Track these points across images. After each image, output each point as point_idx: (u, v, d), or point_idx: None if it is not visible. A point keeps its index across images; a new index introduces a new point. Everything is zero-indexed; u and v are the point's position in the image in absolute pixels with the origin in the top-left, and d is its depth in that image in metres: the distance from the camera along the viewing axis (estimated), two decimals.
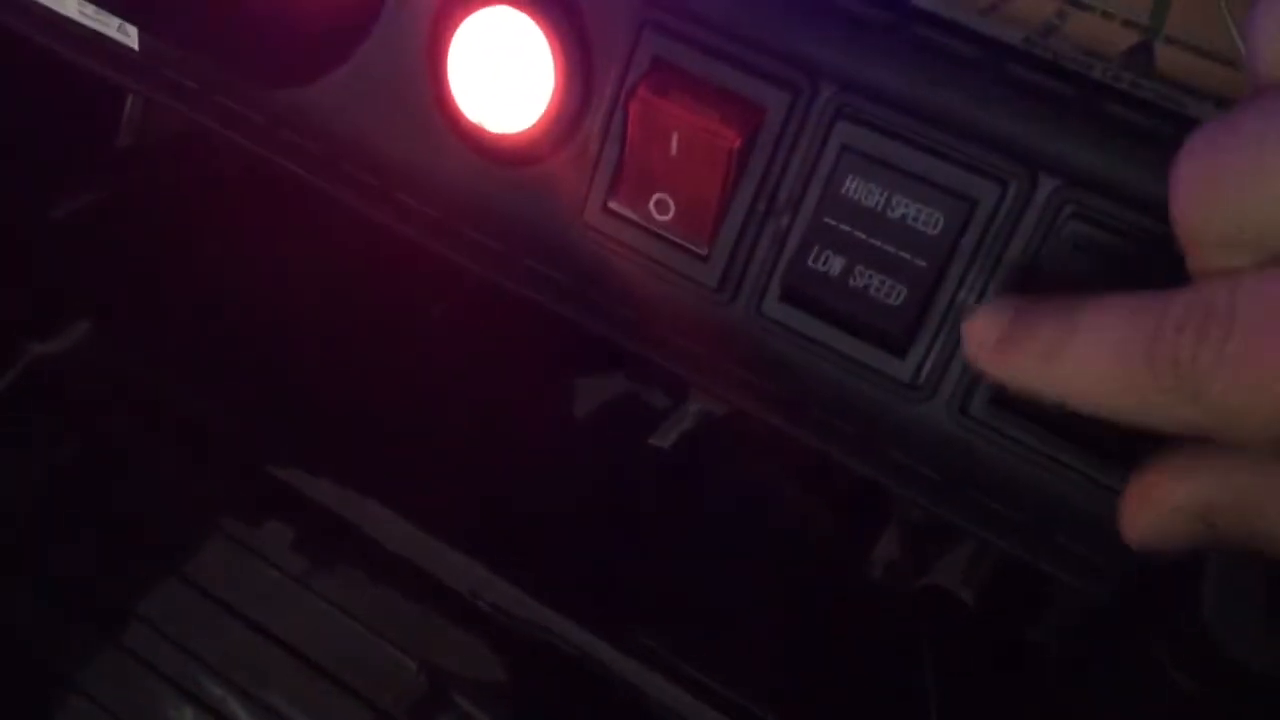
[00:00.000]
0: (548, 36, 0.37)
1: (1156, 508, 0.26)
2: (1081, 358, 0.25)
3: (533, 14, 0.37)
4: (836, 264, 0.34)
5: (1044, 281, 0.32)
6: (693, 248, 0.37)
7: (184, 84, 0.44)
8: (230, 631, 0.76)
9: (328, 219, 0.81)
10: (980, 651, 0.65)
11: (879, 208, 0.34)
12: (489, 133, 0.38)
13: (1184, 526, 0.25)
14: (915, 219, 0.33)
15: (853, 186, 0.34)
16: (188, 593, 0.77)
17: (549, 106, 0.38)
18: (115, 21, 0.44)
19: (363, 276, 0.85)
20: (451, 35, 0.38)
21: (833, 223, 0.34)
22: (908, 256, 0.33)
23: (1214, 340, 0.22)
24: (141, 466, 0.83)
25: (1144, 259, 0.31)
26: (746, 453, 0.77)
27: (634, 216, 0.37)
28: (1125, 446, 0.32)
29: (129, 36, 0.45)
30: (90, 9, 0.45)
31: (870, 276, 0.34)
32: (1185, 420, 0.23)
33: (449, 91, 0.39)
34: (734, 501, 0.77)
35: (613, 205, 0.38)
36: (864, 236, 0.34)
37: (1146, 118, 0.31)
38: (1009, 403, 0.33)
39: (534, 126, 0.38)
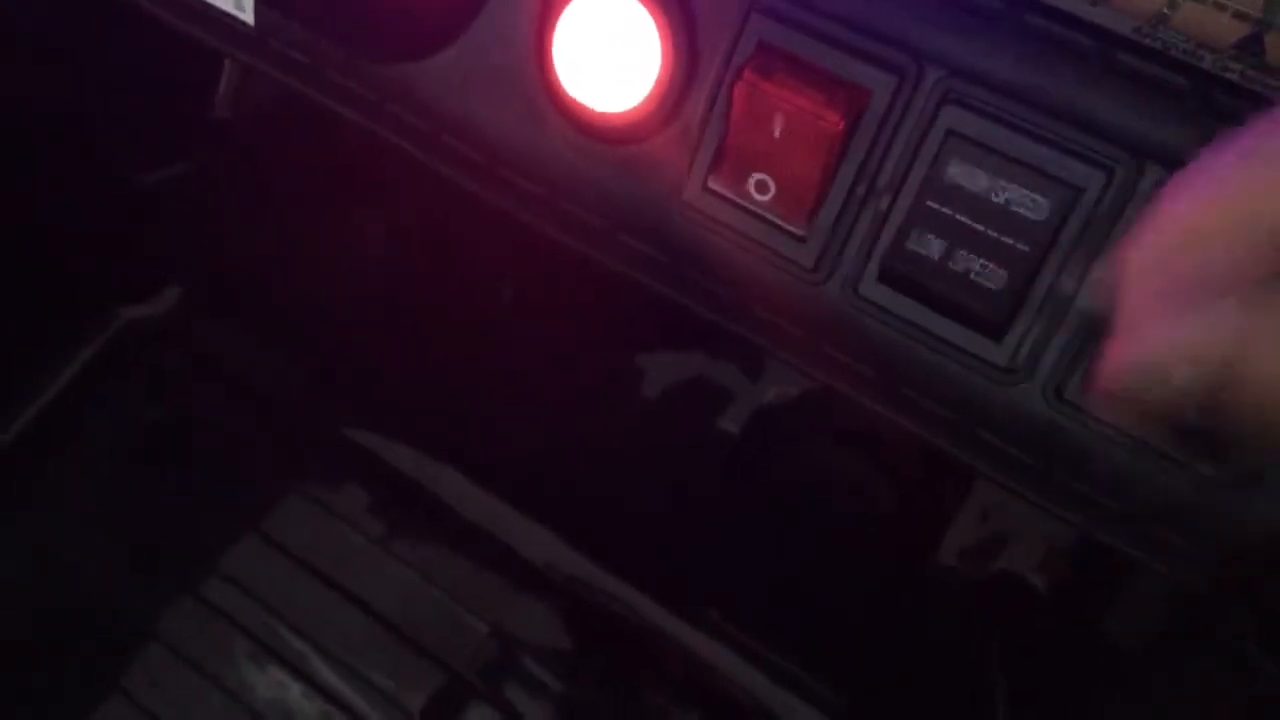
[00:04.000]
0: (655, 18, 0.37)
1: (1148, 346, 0.25)
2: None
3: None
4: (937, 247, 0.35)
5: None
6: (791, 228, 0.38)
7: (296, 59, 0.46)
8: (309, 591, 0.78)
9: (411, 194, 0.83)
10: (1050, 639, 0.65)
11: (983, 192, 0.34)
12: (593, 111, 0.39)
13: (1165, 370, 0.24)
14: (1019, 204, 0.34)
15: (957, 171, 0.34)
16: (269, 552, 0.80)
17: (654, 87, 0.38)
18: None
19: (443, 250, 0.87)
20: (558, 15, 0.39)
21: (935, 206, 0.35)
22: (1010, 241, 0.34)
23: None
24: (227, 429, 0.85)
25: None
26: (820, 433, 0.77)
27: (733, 196, 0.38)
28: (1219, 438, 0.33)
29: (245, 11, 0.46)
30: None
31: (972, 260, 0.34)
32: None
33: (554, 70, 0.40)
34: (806, 481, 0.78)
35: (712, 184, 0.38)
36: (967, 220, 0.34)
37: (1255, 108, 0.31)
38: None
39: (638, 106, 0.39)
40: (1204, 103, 0.32)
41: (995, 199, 0.34)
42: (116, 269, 0.86)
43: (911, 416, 0.38)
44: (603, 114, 0.39)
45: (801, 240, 0.37)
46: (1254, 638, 0.34)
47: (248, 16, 0.46)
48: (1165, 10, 0.34)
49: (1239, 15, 0.34)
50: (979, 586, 0.70)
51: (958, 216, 0.34)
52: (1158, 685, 0.42)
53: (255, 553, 0.79)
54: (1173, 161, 0.32)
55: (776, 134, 0.36)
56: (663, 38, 0.38)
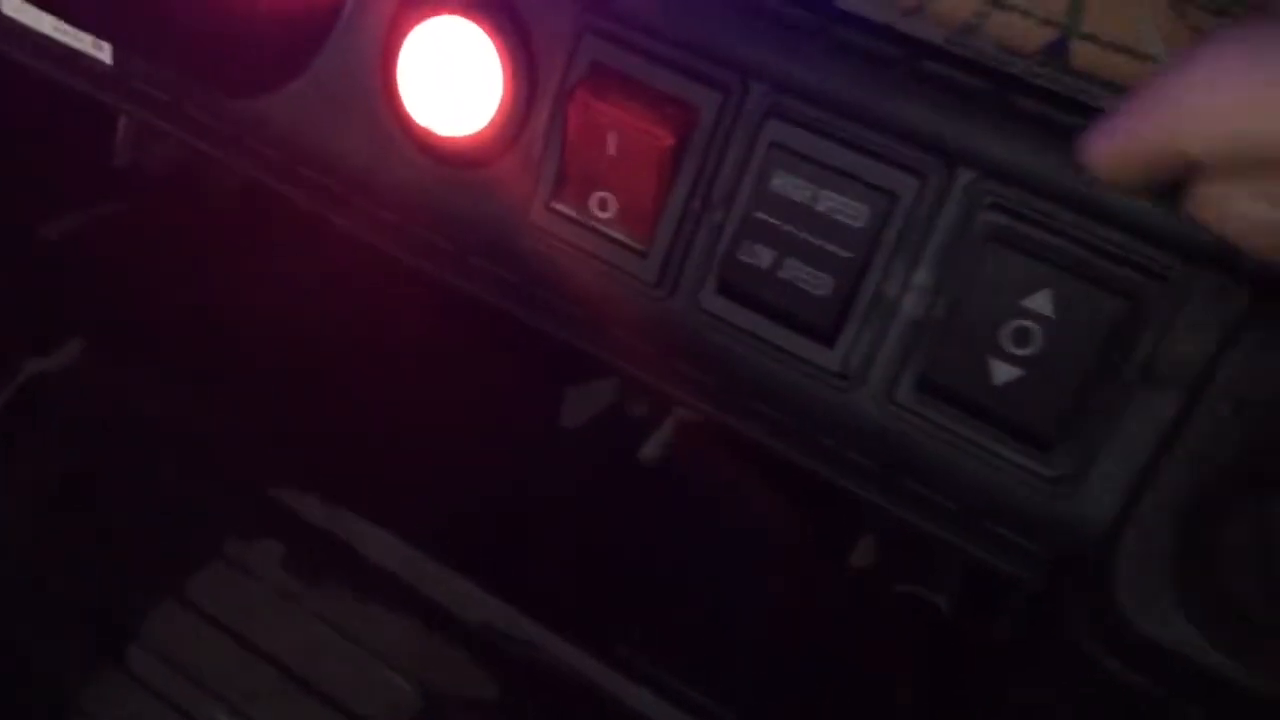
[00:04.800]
0: (493, 42, 0.38)
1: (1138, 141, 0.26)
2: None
3: (478, 21, 0.38)
4: (767, 257, 0.35)
5: (964, 268, 0.33)
6: (633, 244, 0.38)
7: (155, 96, 0.46)
8: (223, 649, 0.76)
9: (321, 238, 0.83)
10: (955, 655, 0.65)
11: (806, 202, 0.35)
12: (439, 136, 0.40)
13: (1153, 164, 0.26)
14: (840, 212, 0.34)
15: (782, 182, 0.35)
16: (181, 610, 0.78)
17: (496, 110, 0.39)
18: (89, 37, 0.46)
19: (354, 296, 0.86)
20: (401, 43, 0.39)
21: (763, 217, 0.35)
22: (833, 249, 0.35)
23: None
24: (136, 484, 0.84)
25: (1057, 247, 0.32)
26: (727, 463, 0.77)
27: (576, 215, 0.39)
28: (1047, 433, 0.33)
29: (102, 51, 0.46)
30: (65, 26, 0.46)
31: (799, 268, 0.35)
32: None
33: (400, 97, 0.40)
34: (715, 514, 0.78)
35: (556, 205, 0.39)
36: (792, 230, 0.35)
37: (1058, 110, 0.32)
38: (934, 388, 0.34)
39: (482, 130, 0.39)
40: (1009, 107, 0.33)
41: (818, 208, 0.35)
42: (17, 322, 0.84)
43: (756, 424, 0.39)
44: (449, 138, 0.40)
45: (643, 256, 0.38)
46: (1092, 635, 0.34)
47: (105, 57, 0.46)
48: (975, 20, 0.35)
49: (1045, 22, 0.35)
50: (886, 608, 0.70)
51: (785, 226, 0.35)
52: (1020, 687, 0.43)
53: (166, 610, 0.78)
54: (981, 164, 0.33)
55: (612, 152, 0.37)
56: (501, 61, 0.38)
